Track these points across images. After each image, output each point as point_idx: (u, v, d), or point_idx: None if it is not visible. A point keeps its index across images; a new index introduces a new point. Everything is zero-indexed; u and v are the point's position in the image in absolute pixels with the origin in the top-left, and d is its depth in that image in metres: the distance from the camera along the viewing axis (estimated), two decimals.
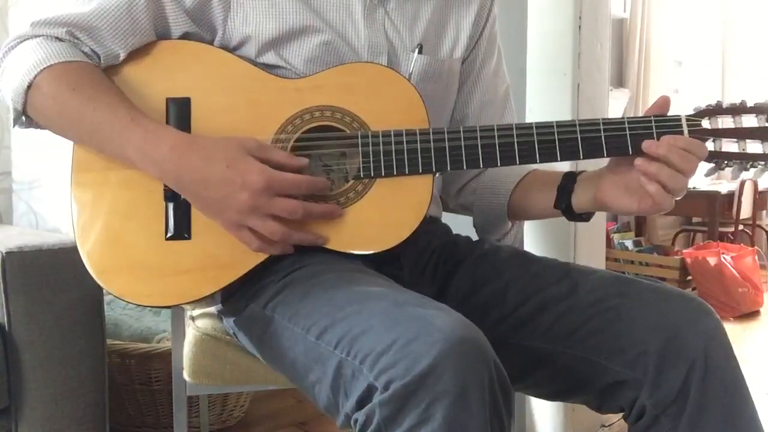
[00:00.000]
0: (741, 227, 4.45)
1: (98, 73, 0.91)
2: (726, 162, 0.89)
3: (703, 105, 0.90)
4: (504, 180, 1.09)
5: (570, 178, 0.99)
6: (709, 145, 0.88)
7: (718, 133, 0.88)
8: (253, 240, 0.86)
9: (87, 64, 0.90)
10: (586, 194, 0.96)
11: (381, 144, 0.89)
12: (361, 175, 0.90)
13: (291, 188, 0.84)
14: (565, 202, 0.98)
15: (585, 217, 1.00)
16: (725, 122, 0.89)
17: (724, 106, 0.89)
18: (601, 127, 0.89)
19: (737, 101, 0.89)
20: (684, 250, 3.75)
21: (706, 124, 0.89)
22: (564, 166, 1.06)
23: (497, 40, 1.16)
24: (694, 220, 4.86)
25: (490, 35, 1.13)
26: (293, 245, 0.88)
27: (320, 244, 0.88)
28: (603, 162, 0.94)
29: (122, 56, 0.93)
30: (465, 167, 0.90)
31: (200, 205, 0.87)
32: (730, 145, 0.88)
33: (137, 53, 0.94)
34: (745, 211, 4.34)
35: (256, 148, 0.85)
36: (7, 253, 1.26)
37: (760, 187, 4.46)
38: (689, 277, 3.52)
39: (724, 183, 4.30)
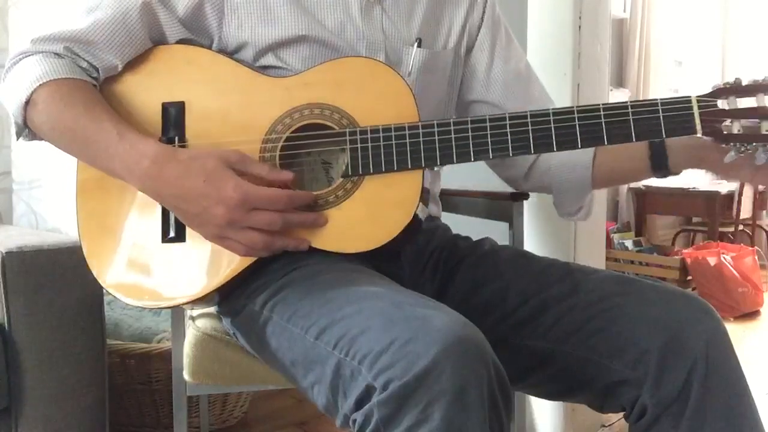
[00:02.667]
0: (741, 227, 4.45)
1: (90, 89, 0.93)
2: (745, 146, 0.82)
3: (721, 83, 0.85)
4: (578, 152, 1.06)
5: (659, 151, 0.98)
6: (727, 128, 0.83)
7: (737, 114, 0.83)
8: (239, 248, 0.86)
9: (80, 81, 0.92)
10: (686, 160, 0.97)
11: (369, 140, 0.88)
12: (349, 173, 0.89)
13: (267, 204, 0.84)
14: (662, 169, 0.98)
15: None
16: (746, 102, 0.83)
17: (744, 83, 0.83)
18: (602, 113, 0.86)
19: (760, 78, 0.83)
20: (684, 250, 3.75)
21: (723, 104, 0.84)
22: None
23: (502, 22, 1.15)
24: (694, 220, 4.86)
25: (493, 19, 1.13)
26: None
27: (304, 247, 0.88)
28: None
29: (120, 67, 0.95)
30: (455, 161, 0.88)
31: (182, 217, 0.88)
32: (753, 127, 0.82)
33: (133, 60, 0.96)
34: (745, 211, 4.34)
35: (237, 160, 0.85)
36: (7, 253, 1.26)
37: (760, 187, 4.46)
38: (689, 277, 3.51)
39: (724, 183, 4.29)
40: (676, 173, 0.99)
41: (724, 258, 3.38)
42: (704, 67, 5.17)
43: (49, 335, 1.30)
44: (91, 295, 1.36)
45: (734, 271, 3.35)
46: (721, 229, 4.23)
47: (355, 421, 0.69)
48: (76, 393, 1.35)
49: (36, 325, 1.29)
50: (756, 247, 3.81)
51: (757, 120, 0.82)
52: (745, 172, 0.89)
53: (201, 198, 0.83)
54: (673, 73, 4.86)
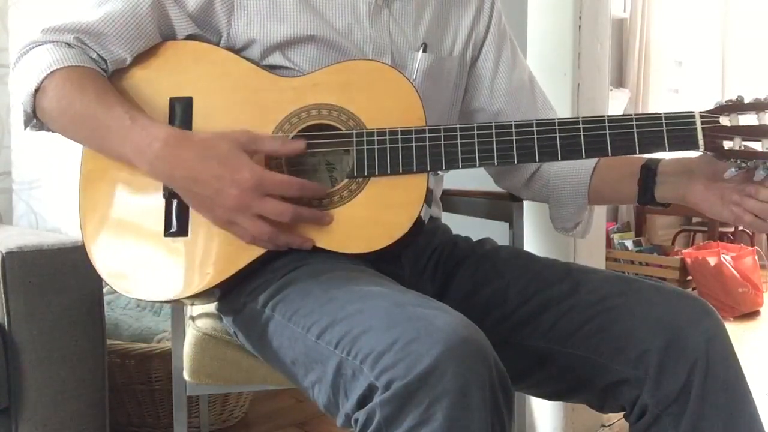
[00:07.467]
0: (741, 227, 4.44)
1: (100, 77, 0.93)
2: (746, 163, 0.83)
3: (723, 101, 0.86)
4: (577, 169, 1.08)
5: (650, 172, 0.98)
6: (728, 144, 0.84)
7: (739, 131, 0.84)
8: (245, 234, 0.86)
9: (90, 69, 0.92)
10: (672, 191, 0.96)
11: (376, 143, 0.89)
12: (354, 174, 0.89)
13: (281, 189, 0.84)
14: (648, 199, 0.98)
15: (666, 205, 1.00)
16: (747, 119, 0.84)
17: (746, 101, 0.84)
18: (606, 124, 0.87)
19: (762, 96, 0.84)
20: (684, 250, 3.75)
21: (725, 121, 0.85)
22: None
23: (508, 33, 1.15)
24: (694, 220, 4.86)
25: (498, 30, 1.13)
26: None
27: (307, 247, 0.88)
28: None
29: (129, 60, 0.95)
30: (460, 166, 0.89)
31: (191, 201, 0.87)
32: (753, 145, 0.83)
33: (142, 54, 0.96)
34: None
35: (249, 140, 0.85)
36: (7, 253, 1.26)
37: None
38: (689, 277, 3.51)
39: None
40: (662, 203, 0.99)
41: (724, 258, 3.38)
42: (704, 67, 5.16)
43: (49, 335, 1.30)
44: (91, 295, 1.36)
45: (734, 271, 3.34)
46: (721, 229, 4.23)
47: (357, 420, 0.69)
48: (76, 393, 1.35)
49: (36, 325, 1.29)
50: (756, 247, 3.80)
51: (759, 137, 0.83)
52: (729, 211, 0.89)
53: (214, 180, 0.83)
54: (673, 73, 4.86)
